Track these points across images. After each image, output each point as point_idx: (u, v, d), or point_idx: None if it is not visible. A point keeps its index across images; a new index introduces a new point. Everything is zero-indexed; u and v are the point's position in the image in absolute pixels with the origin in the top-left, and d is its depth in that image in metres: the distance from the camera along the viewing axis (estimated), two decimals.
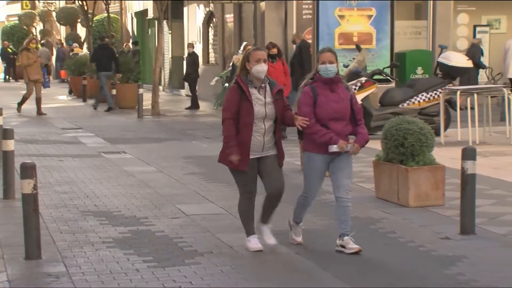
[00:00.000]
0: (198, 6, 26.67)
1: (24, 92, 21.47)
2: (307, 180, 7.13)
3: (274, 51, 14.55)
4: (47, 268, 6.57)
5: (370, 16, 19.51)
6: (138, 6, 33.27)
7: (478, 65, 17.82)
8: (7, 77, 40.17)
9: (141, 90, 20.24)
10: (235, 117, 6.75)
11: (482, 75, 18.81)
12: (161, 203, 9.21)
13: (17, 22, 44.77)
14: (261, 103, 6.77)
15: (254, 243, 6.98)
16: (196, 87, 22.58)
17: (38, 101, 20.78)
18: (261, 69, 6.80)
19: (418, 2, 20.55)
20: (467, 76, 16.88)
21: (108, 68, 22.27)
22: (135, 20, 34.56)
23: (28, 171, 6.71)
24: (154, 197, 9.63)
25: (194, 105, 22.24)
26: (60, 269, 6.51)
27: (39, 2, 44.01)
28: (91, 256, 6.88)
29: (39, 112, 20.67)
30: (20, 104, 21.34)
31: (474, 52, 17.66)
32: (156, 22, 24.83)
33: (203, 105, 22.42)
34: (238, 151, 6.74)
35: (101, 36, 24.98)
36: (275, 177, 6.96)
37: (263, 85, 6.84)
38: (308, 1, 19.56)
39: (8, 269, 6.48)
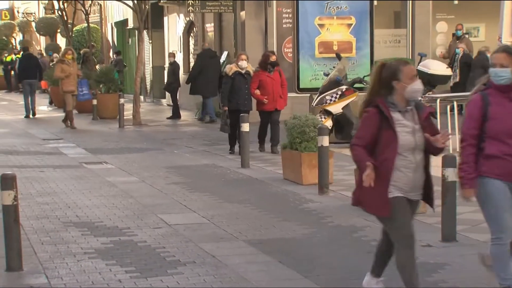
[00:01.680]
0: (178, 16, 26.67)
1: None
2: (492, 215, 5.53)
3: (275, 58, 14.23)
4: (29, 279, 6.53)
5: (350, 25, 19.61)
6: (118, 16, 33.21)
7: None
8: None
9: (122, 100, 20.20)
10: (368, 148, 5.44)
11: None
12: (143, 213, 9.19)
13: None
14: (409, 130, 5.43)
15: None
16: (177, 97, 22.57)
17: (69, 114, 20.09)
18: (418, 88, 5.48)
19: (398, 10, 20.69)
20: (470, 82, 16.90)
21: (32, 76, 23.43)
22: (115, 30, 34.50)
23: (9, 182, 6.67)
24: (137, 207, 9.60)
25: (176, 115, 22.22)
26: (42, 281, 6.47)
27: (18, 13, 43.83)
28: (73, 267, 6.85)
29: (71, 125, 19.89)
30: (65, 120, 20.34)
31: (483, 59, 17.68)
32: (136, 32, 24.79)
33: (184, 115, 22.40)
34: (372, 168, 5.34)
35: (25, 47, 26.94)
36: None
37: (408, 108, 5.49)
38: (288, 10, 19.63)
39: None
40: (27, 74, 23.55)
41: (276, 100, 13.98)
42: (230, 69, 14.11)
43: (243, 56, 14.22)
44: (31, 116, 23.40)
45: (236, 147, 14.00)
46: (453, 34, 19.90)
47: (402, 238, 5.48)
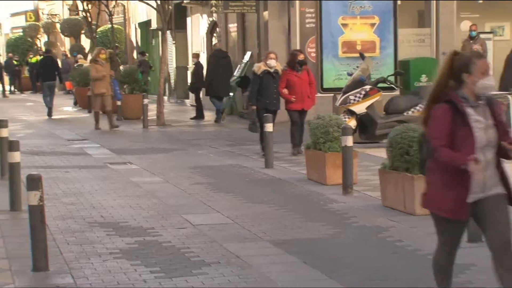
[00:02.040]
0: (202, 16, 26.72)
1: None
2: None
3: (302, 56, 13.91)
4: (55, 279, 6.57)
5: (373, 24, 19.56)
6: (141, 17, 33.36)
7: None
8: (13, 89, 40.25)
9: (146, 101, 20.28)
10: (449, 146, 5.05)
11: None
12: (167, 214, 9.22)
13: (21, 34, 44.89)
14: (482, 126, 5.05)
15: None
16: (201, 97, 22.64)
17: (108, 114, 19.69)
18: (490, 84, 5.09)
19: (422, 9, 20.59)
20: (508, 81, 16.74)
21: (51, 78, 24.25)
22: (139, 30, 34.65)
23: (35, 182, 6.72)
24: (161, 207, 9.63)
25: (199, 115, 22.28)
26: (68, 281, 6.51)
27: (43, 14, 44.13)
28: (99, 268, 6.89)
29: (96, 126, 19.70)
30: (110, 122, 19.84)
31: None
32: (159, 32, 24.89)
33: (208, 115, 22.45)
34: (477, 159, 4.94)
35: (47, 49, 28.07)
36: (502, 224, 5.10)
37: (480, 102, 5.11)
38: (312, 10, 19.60)
39: (16, 281, 6.49)
40: (47, 76, 24.20)
41: (304, 100, 13.68)
42: (259, 68, 13.78)
43: (272, 55, 13.88)
44: (50, 115, 24.01)
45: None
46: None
47: (446, 245, 5.27)
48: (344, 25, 19.49)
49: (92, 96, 20.25)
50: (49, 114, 24.00)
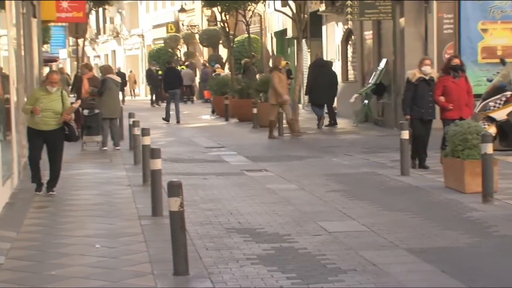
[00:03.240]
0: (337, 24, 26.72)
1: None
2: None
3: (457, 61, 12.89)
4: (195, 284, 6.75)
5: None
6: (277, 26, 33.71)
7: None
8: (154, 98, 41.50)
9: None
10: None
11: None
12: (303, 220, 9.27)
13: (162, 45, 46.27)
14: None
15: None
16: (334, 104, 22.71)
17: (291, 122, 19.71)
18: None
19: None
20: None
21: (175, 87, 26.00)
22: (274, 39, 35.03)
23: (175, 189, 6.90)
24: (296, 214, 9.70)
25: (333, 122, 22.29)
26: (207, 285, 6.67)
27: (183, 25, 45.35)
28: (236, 273, 7.01)
29: (294, 134, 19.64)
30: (272, 130, 19.81)
31: None
32: (295, 41, 25.05)
33: (342, 122, 22.40)
34: None
35: (169, 61, 30.17)
36: None
37: None
38: (450, 15, 19.22)
39: (158, 284, 6.70)
40: (171, 85, 26.05)
41: (461, 108, 12.63)
42: (414, 75, 13.00)
43: (427, 61, 13.12)
44: (170, 121, 25.53)
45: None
46: None
47: None
48: (484, 30, 19.01)
49: (276, 104, 19.66)
50: (167, 119, 25.64)
